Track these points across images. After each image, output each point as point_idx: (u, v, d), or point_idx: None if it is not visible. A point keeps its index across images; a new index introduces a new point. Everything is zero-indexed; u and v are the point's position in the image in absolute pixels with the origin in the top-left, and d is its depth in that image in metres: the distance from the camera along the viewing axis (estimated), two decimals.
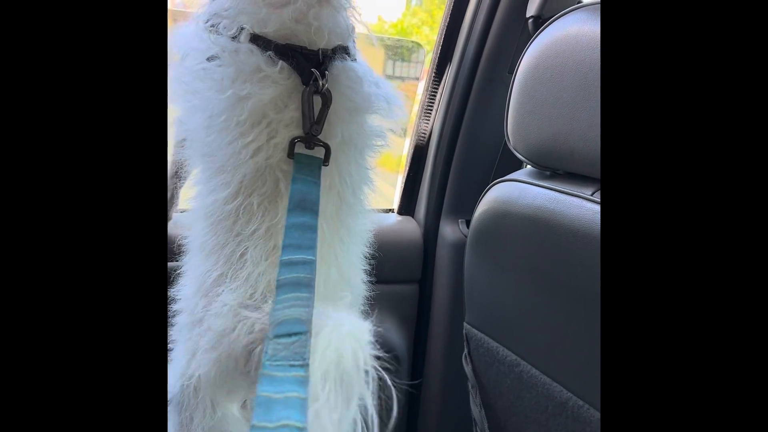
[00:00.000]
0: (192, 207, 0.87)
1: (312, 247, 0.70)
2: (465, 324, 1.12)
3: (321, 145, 0.79)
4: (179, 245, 0.91)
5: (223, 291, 0.78)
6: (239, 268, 0.78)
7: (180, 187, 1.11)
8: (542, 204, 0.89)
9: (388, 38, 2.00)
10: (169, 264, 0.95)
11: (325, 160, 0.80)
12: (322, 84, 0.78)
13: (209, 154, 0.81)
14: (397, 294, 1.46)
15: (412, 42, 2.06)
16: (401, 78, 1.77)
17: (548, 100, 0.87)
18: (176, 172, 1.07)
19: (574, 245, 0.83)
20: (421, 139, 1.50)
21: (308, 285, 0.66)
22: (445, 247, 1.44)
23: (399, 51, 1.86)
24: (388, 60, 1.75)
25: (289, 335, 0.60)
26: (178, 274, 0.89)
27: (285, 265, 0.68)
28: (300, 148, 0.79)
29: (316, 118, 0.78)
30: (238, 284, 0.77)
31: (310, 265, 0.68)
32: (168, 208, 1.14)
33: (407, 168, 1.53)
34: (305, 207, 0.74)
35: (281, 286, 0.66)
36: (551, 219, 0.87)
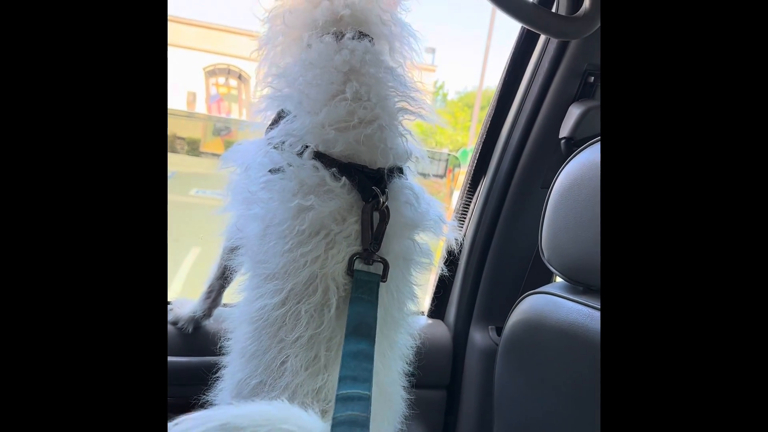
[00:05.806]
0: (237, 311, 0.89)
1: (368, 380, 0.70)
2: None
3: (379, 261, 0.82)
4: (220, 339, 0.93)
5: (261, 401, 0.78)
6: (278, 376, 0.79)
7: (225, 288, 1.15)
8: (576, 319, 0.91)
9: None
10: (210, 359, 0.98)
11: (383, 276, 0.82)
12: (383, 201, 0.83)
13: (263, 261, 0.83)
14: (424, 399, 1.42)
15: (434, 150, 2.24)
16: (424, 175, 1.87)
17: (584, 220, 0.91)
18: (223, 273, 1.11)
19: None
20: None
21: (363, 425, 0.64)
22: (474, 353, 1.44)
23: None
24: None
25: None
26: (216, 372, 0.91)
27: (341, 400, 0.67)
28: (358, 264, 0.81)
29: (374, 233, 0.82)
30: (276, 394, 0.77)
31: (366, 402, 0.67)
32: (211, 306, 1.18)
33: (439, 271, 1.56)
34: (362, 332, 0.74)
35: (336, 425, 0.64)
36: (585, 335, 0.88)
